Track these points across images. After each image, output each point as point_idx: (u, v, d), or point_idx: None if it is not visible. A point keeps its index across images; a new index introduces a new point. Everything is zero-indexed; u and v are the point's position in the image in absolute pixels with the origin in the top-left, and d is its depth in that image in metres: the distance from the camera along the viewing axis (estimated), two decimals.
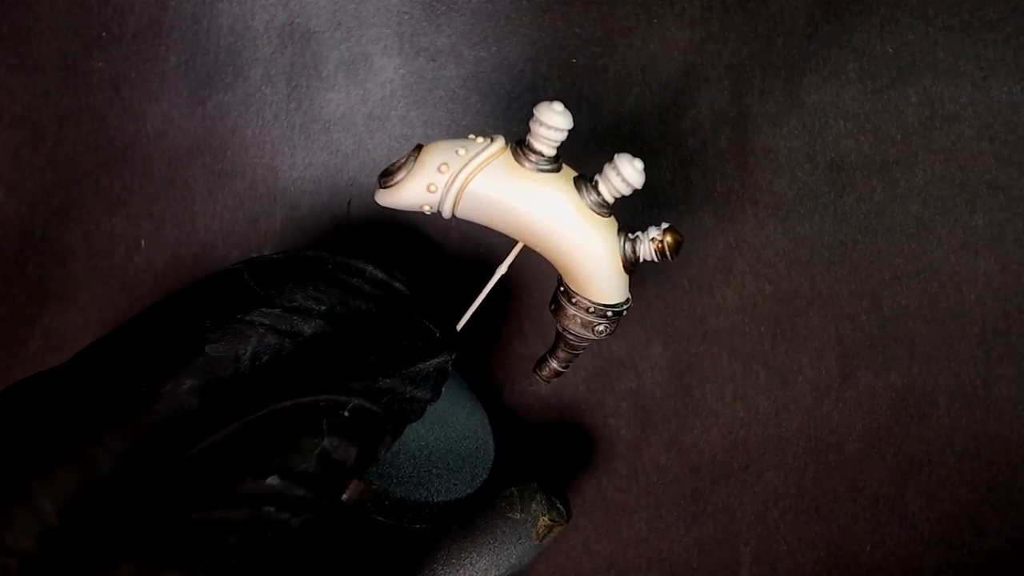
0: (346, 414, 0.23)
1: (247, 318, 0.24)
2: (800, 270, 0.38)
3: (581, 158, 0.27)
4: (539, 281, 0.39)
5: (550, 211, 0.26)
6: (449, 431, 0.35)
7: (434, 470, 0.33)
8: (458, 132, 0.38)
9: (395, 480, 0.32)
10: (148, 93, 0.37)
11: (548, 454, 0.40)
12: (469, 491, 0.34)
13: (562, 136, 0.25)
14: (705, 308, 0.39)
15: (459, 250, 0.39)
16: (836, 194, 0.37)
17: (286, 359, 0.25)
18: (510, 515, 0.35)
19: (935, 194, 0.37)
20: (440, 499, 0.32)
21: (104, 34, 0.37)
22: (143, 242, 0.38)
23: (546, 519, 0.36)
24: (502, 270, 0.29)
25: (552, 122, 0.24)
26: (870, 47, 0.36)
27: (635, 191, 0.25)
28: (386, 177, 0.26)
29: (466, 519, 0.35)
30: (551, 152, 0.25)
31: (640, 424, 0.40)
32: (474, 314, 0.30)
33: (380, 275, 0.28)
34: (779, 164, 0.37)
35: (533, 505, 0.36)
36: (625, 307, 0.28)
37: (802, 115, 0.37)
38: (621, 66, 0.37)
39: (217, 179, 0.38)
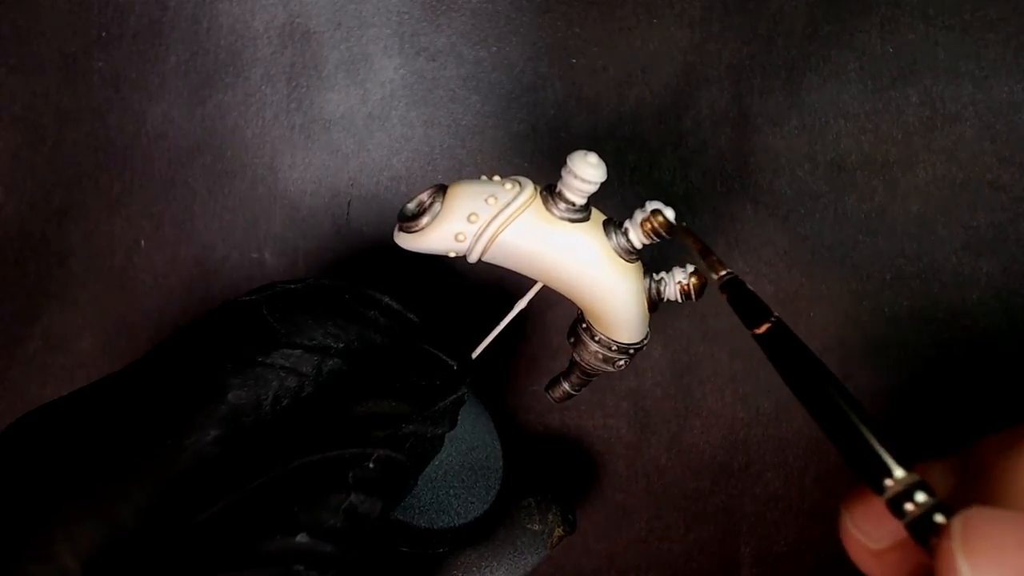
0: (371, 465, 0.23)
1: (268, 361, 0.24)
2: (800, 270, 0.38)
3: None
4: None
5: (580, 261, 0.25)
6: (459, 443, 0.35)
7: (451, 491, 0.34)
8: (458, 132, 0.38)
9: (417, 511, 0.32)
10: (148, 93, 0.37)
11: (549, 455, 0.40)
12: (486, 507, 0.34)
13: (595, 188, 0.24)
14: (705, 308, 0.38)
15: (471, 266, 0.39)
16: (836, 194, 0.37)
17: (306, 403, 0.25)
18: (529, 526, 0.35)
19: (936, 194, 0.37)
20: (461, 522, 0.33)
21: (104, 34, 0.37)
22: (143, 242, 0.38)
23: (560, 531, 0.36)
24: (521, 305, 0.28)
25: (586, 175, 0.23)
26: (870, 47, 0.36)
27: (663, 239, 0.24)
28: (408, 221, 0.24)
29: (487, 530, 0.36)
30: (582, 202, 0.24)
31: (640, 424, 0.40)
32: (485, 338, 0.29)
33: (396, 306, 0.28)
34: (779, 164, 0.37)
35: (550, 516, 0.36)
36: (645, 342, 0.28)
37: (802, 115, 0.37)
38: (621, 66, 0.37)
39: (217, 179, 0.38)
